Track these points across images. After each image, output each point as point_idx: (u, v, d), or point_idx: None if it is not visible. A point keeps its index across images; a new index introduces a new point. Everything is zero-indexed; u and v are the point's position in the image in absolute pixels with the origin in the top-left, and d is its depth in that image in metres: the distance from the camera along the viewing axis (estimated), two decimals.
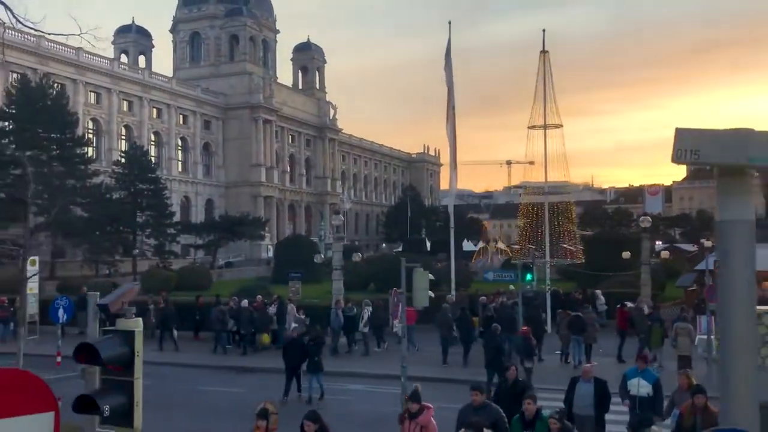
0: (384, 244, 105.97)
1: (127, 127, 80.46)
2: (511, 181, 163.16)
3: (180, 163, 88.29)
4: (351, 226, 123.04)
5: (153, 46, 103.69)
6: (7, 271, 48.86)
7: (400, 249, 77.21)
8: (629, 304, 24.31)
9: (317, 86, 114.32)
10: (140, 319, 4.35)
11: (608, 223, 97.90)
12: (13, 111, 56.81)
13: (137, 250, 65.46)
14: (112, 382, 4.10)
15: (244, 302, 25.74)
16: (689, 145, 3.17)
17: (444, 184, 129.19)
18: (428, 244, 76.36)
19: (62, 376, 12.34)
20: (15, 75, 63.94)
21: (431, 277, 14.64)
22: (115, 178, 66.87)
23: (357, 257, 36.29)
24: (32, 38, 68.95)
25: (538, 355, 21.38)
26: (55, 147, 58.72)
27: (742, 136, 3.11)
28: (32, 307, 27.57)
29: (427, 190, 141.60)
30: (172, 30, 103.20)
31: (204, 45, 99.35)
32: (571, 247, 68.05)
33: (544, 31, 35.64)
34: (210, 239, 74.83)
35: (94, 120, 76.44)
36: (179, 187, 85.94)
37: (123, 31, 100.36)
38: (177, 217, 75.74)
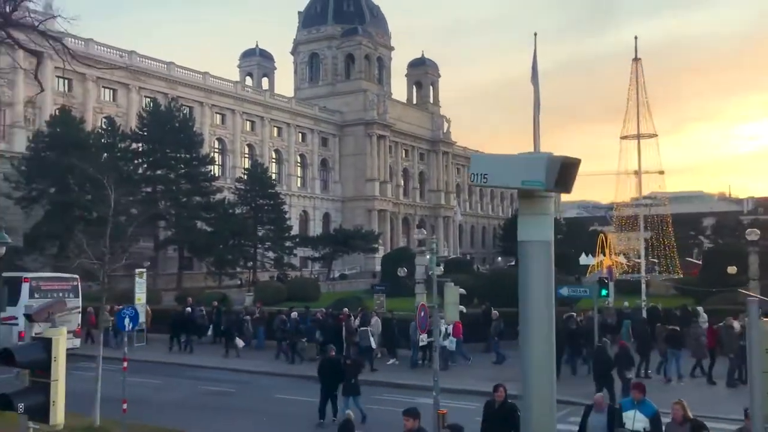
0: (500, 258, 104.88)
1: (249, 145, 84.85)
2: (642, 191, 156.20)
3: (299, 178, 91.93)
4: (467, 239, 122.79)
5: (275, 68, 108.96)
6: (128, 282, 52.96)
7: (513, 263, 76.30)
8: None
9: (431, 100, 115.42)
10: (64, 328, 5.07)
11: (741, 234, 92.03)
12: (145, 133, 61.46)
13: (250, 263, 68.51)
14: (34, 383, 4.84)
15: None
16: (480, 169, 3.46)
17: (565, 196, 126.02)
18: None
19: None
20: (147, 99, 69.12)
21: (462, 291, 14.77)
22: (237, 194, 70.65)
23: (402, 272, 36.35)
24: (164, 65, 74.59)
25: (644, 369, 21.33)
26: (182, 166, 62.88)
27: (513, 161, 3.35)
28: (142, 315, 29.83)
29: None
30: (293, 52, 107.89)
31: (322, 65, 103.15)
32: (695, 261, 64.61)
33: (636, 38, 34.46)
34: (325, 252, 77.41)
35: (219, 140, 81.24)
36: (298, 201, 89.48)
37: (247, 54, 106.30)
38: (295, 231, 78.89)
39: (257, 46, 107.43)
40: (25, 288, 27.05)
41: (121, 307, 33.38)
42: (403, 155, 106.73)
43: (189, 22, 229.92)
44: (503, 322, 25.00)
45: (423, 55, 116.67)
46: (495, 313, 26.30)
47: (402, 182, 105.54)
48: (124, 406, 14.69)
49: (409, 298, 39.85)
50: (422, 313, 13.88)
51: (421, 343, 15.05)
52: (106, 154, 57.11)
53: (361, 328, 23.78)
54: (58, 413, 4.68)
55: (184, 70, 76.79)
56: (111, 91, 69.73)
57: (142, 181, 60.75)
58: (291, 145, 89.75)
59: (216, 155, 79.49)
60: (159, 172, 61.19)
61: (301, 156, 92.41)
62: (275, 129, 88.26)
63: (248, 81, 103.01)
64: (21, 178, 53.32)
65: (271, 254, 70.89)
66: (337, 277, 76.73)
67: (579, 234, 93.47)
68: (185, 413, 18.29)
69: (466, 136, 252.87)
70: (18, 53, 59.25)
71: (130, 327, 15.66)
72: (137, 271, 31.33)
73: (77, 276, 29.74)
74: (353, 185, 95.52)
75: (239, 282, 67.54)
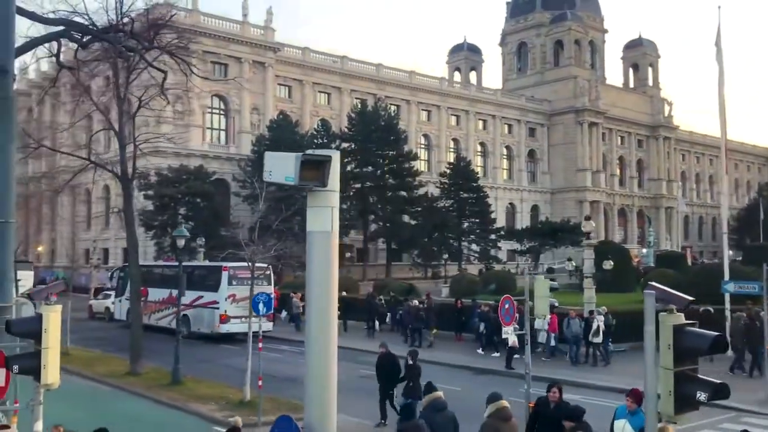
0: (731, 251, 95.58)
1: (454, 140, 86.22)
2: None
3: (505, 171, 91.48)
4: (694, 232, 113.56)
5: (483, 61, 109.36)
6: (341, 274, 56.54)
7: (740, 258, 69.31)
8: None
9: (650, 83, 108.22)
10: (60, 306, 6.13)
11: None
12: (353, 133, 65.29)
13: (449, 255, 69.53)
14: (30, 350, 6.00)
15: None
16: (268, 166, 3.79)
17: None
18: None
19: None
20: (357, 101, 73.18)
21: (555, 285, 14.13)
22: (441, 188, 72.32)
23: (608, 265, 34.29)
24: (372, 67, 78.47)
25: None
26: (387, 162, 65.88)
27: (283, 158, 3.62)
28: None
29: None
30: (501, 43, 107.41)
31: (530, 54, 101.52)
32: None
33: None
34: (531, 245, 76.34)
35: (425, 135, 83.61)
36: (504, 194, 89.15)
37: (455, 50, 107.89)
38: (501, 224, 78.81)
39: (465, 40, 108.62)
40: (225, 276, 30.48)
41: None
42: (619, 142, 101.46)
43: (398, 22, 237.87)
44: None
45: (640, 35, 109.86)
46: None
47: (617, 171, 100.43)
48: (260, 382, 16.25)
49: (607, 294, 38.16)
50: (507, 306, 13.67)
51: (504, 336, 14.64)
52: None
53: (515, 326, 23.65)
54: (49, 375, 5.76)
55: (392, 70, 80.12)
56: (325, 95, 74.90)
57: (351, 178, 64.69)
58: (497, 137, 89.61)
59: (422, 151, 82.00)
60: (366, 169, 64.61)
61: (507, 148, 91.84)
62: (480, 122, 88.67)
63: (456, 76, 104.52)
64: (246, 178, 59.53)
65: (475, 247, 71.58)
66: (542, 271, 75.26)
67: None
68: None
69: (695, 119, 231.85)
70: (244, 65, 66.12)
71: (264, 311, 17.22)
72: None
73: (269, 266, 32.76)
74: (563, 176, 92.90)
75: (443, 274, 69.14)
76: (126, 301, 36.46)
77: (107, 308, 38.84)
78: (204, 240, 47.51)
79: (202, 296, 30.99)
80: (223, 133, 66.07)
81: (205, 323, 30.61)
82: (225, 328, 29.93)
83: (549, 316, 20.11)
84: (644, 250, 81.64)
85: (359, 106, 68.09)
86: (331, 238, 3.78)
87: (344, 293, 34.12)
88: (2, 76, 10.32)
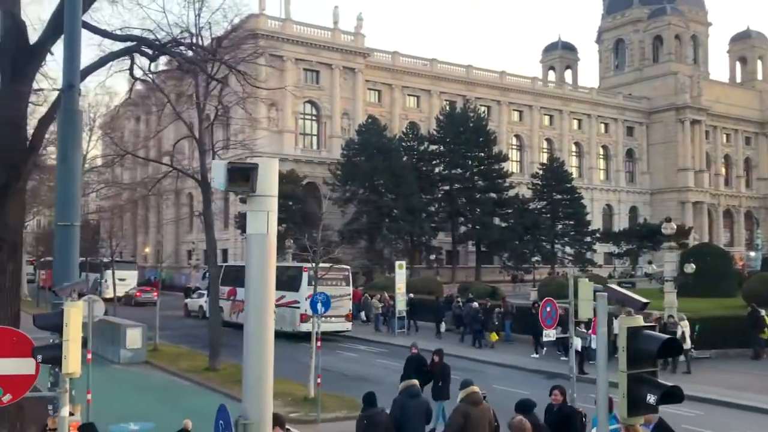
0: None
1: (548, 140, 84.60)
2: None
3: (602, 171, 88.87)
4: None
5: (578, 60, 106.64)
6: (427, 275, 56.94)
7: None
8: None
9: (759, 77, 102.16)
10: (81, 302, 6.69)
11: None
12: (441, 135, 65.39)
13: (538, 258, 68.23)
14: (54, 342, 6.60)
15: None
16: (213, 174, 4.10)
17: None
18: None
19: None
20: (446, 103, 73.19)
21: (599, 287, 13.65)
22: (533, 189, 71.21)
23: (689, 268, 32.71)
24: (462, 69, 78.29)
25: None
26: (476, 164, 65.58)
27: (219, 167, 3.91)
28: (400, 304, 32.48)
29: None
30: (597, 40, 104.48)
31: (627, 51, 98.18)
32: None
33: None
34: (629, 248, 73.87)
35: (517, 136, 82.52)
36: (601, 195, 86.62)
37: (549, 49, 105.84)
38: (597, 226, 76.67)
39: (559, 39, 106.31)
40: (305, 276, 31.34)
41: (387, 295, 36.80)
42: (724, 140, 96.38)
43: (489, 23, 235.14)
44: None
45: (748, 27, 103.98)
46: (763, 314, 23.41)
47: (723, 170, 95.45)
48: (318, 380, 16.75)
49: (704, 299, 36.42)
50: (548, 308, 13.44)
51: (545, 339, 14.27)
52: (405, 157, 62.26)
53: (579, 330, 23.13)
54: (70, 365, 6.33)
55: (482, 71, 79.63)
56: (415, 98, 75.35)
57: (439, 180, 64.83)
58: (592, 137, 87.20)
59: (513, 152, 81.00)
60: (455, 171, 64.54)
61: (604, 147, 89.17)
62: (575, 121, 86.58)
63: (551, 75, 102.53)
64: (336, 181, 60.86)
65: (569, 250, 69.96)
66: (639, 274, 72.68)
67: None
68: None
69: None
70: (335, 71, 67.56)
71: (323, 310, 17.68)
72: (397, 263, 34.11)
73: (348, 267, 33.51)
74: (663, 176, 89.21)
75: (533, 277, 68.02)
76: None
77: (200, 306, 40.73)
78: (293, 241, 48.91)
79: (284, 296, 31.97)
80: (315, 138, 67.73)
81: (287, 322, 31.58)
82: (305, 327, 30.68)
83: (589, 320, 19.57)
84: (752, 254, 77.35)
85: (447, 108, 68.03)
86: (268, 240, 4.09)
87: (411, 295, 34.33)
88: (69, 91, 11.24)
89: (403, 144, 63.88)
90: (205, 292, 40.75)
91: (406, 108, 74.24)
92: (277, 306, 31.52)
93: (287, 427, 9.73)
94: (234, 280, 35.31)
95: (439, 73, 75.63)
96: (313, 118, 67.57)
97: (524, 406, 9.76)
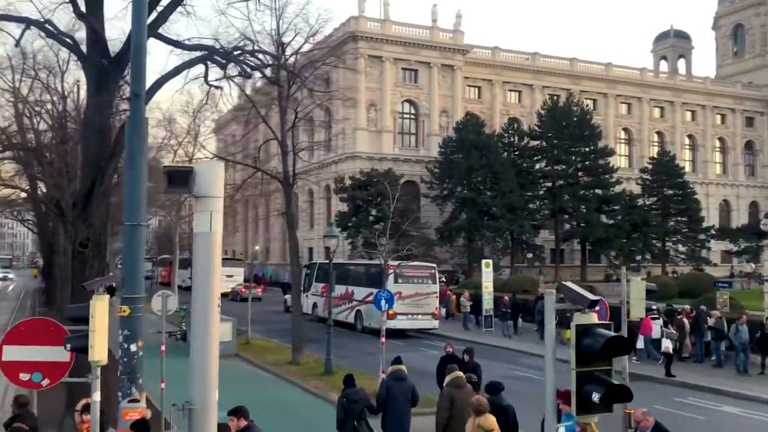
0: None
1: (658, 133, 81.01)
2: None
3: (718, 165, 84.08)
4: None
5: (692, 48, 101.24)
6: (524, 275, 55.96)
7: None
8: None
9: None
10: (107, 295, 7.24)
11: None
12: (542, 130, 64.08)
13: (648, 256, 65.35)
14: (83, 332, 7.18)
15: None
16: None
17: None
18: None
19: None
20: (549, 97, 71.60)
21: (652, 286, 12.96)
22: (641, 185, 68.50)
23: (750, 268, 30.42)
24: (566, 62, 76.35)
25: None
26: (579, 160, 63.82)
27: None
28: (487, 303, 32.19)
29: None
30: (714, 26, 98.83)
31: (747, 36, 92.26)
32: None
33: None
34: (748, 245, 69.46)
35: (625, 129, 79.52)
36: (717, 190, 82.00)
37: (661, 38, 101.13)
38: (713, 222, 72.78)
39: (671, 27, 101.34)
40: (391, 274, 31.75)
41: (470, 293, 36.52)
42: None
43: (593, 15, 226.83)
44: None
45: None
46: None
47: None
48: (382, 375, 17.01)
49: None
50: (597, 308, 12.86)
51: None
52: (505, 154, 61.46)
53: (667, 330, 22.15)
54: (96, 353, 6.92)
55: (587, 64, 77.34)
56: (516, 93, 74.24)
57: (541, 177, 63.54)
58: (707, 128, 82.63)
59: (621, 146, 78.20)
60: (558, 167, 63.10)
61: (720, 140, 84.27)
62: (688, 113, 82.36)
63: (663, 65, 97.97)
64: (434, 179, 61.00)
65: (682, 248, 66.76)
66: (757, 274, 68.24)
67: None
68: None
69: None
70: (433, 69, 67.69)
71: (386, 307, 17.90)
72: (484, 261, 33.84)
73: (434, 265, 33.61)
74: None
75: (644, 276, 65.30)
76: (312, 296, 39.40)
77: None
78: (386, 239, 49.34)
79: (371, 292, 32.52)
80: (413, 137, 68.15)
81: (375, 319, 32.07)
82: (391, 324, 31.12)
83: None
84: None
85: (549, 103, 66.61)
86: (212, 238, 4.39)
87: (508, 296, 33.83)
88: (136, 100, 12.11)
89: (503, 140, 63.08)
90: (302, 288, 42.05)
91: (507, 104, 73.25)
92: (365, 303, 32.31)
93: None
94: (327, 277, 36.21)
95: (542, 67, 74.11)
96: (412, 116, 67.99)
97: (493, 388, 10.80)
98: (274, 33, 21.37)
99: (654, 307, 24.61)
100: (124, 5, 16.34)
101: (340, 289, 35.44)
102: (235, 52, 15.25)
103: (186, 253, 55.19)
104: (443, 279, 55.63)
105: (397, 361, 12.06)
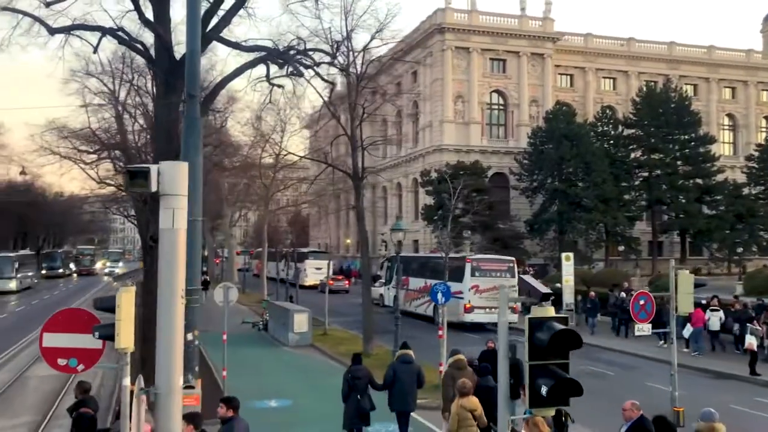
0: None
1: (767, 118, 76.33)
2: None
3: None
4: None
5: None
6: (614, 268, 54.14)
7: None
8: None
9: None
10: (133, 287, 7.68)
11: None
12: (637, 118, 61.72)
13: (755, 249, 61.71)
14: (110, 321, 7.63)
15: None
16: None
17: None
18: None
19: None
20: (645, 83, 68.84)
21: (703, 281, 12.23)
22: (747, 173, 64.90)
23: None
24: (663, 46, 73.17)
25: None
26: (678, 148, 61.15)
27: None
28: (568, 297, 31.33)
29: None
30: None
31: None
32: None
33: None
34: None
35: (729, 116, 75.41)
36: None
37: None
38: None
39: None
40: (468, 267, 31.59)
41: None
42: None
43: None
44: None
45: None
46: None
47: None
48: (441, 367, 17.02)
49: None
50: (642, 302, 12.27)
51: (638, 333, 12.69)
52: (597, 143, 59.58)
53: (753, 327, 20.84)
54: (122, 341, 7.40)
55: (686, 47, 73.82)
56: (610, 80, 71.85)
57: (636, 167, 61.22)
58: None
59: (725, 133, 74.31)
60: (654, 156, 60.72)
61: None
62: None
63: None
64: (523, 171, 60.00)
65: None
66: None
67: None
68: None
69: None
70: (522, 59, 66.57)
71: (443, 300, 17.84)
72: (563, 255, 33.06)
73: (513, 258, 33.12)
74: None
75: (745, 269, 61.88)
76: (393, 288, 39.78)
77: (381, 295, 42.56)
78: (470, 233, 49.28)
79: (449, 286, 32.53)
80: (502, 128, 67.27)
81: (452, 312, 32.07)
82: (469, 318, 31.08)
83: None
84: None
85: (645, 89, 64.03)
86: (175, 234, 4.67)
87: (594, 292, 32.92)
88: (191, 101, 12.75)
89: (595, 129, 61.20)
90: (383, 281, 42.53)
91: (601, 91, 71.01)
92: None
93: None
94: (407, 270, 36.47)
95: (637, 52, 71.33)
96: (500, 107, 67.11)
97: (481, 371, 12.04)
98: (334, 31, 21.68)
99: (703, 300, 23.58)
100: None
101: (419, 282, 35.62)
102: (290, 52, 15.64)
103: (280, 246, 57.05)
104: (532, 272, 54.78)
105: (405, 346, 13.52)
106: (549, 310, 4.57)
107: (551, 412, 4.78)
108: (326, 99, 24.47)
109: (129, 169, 4.68)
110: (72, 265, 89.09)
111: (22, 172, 51.15)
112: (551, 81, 67.20)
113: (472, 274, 31.31)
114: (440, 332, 18.14)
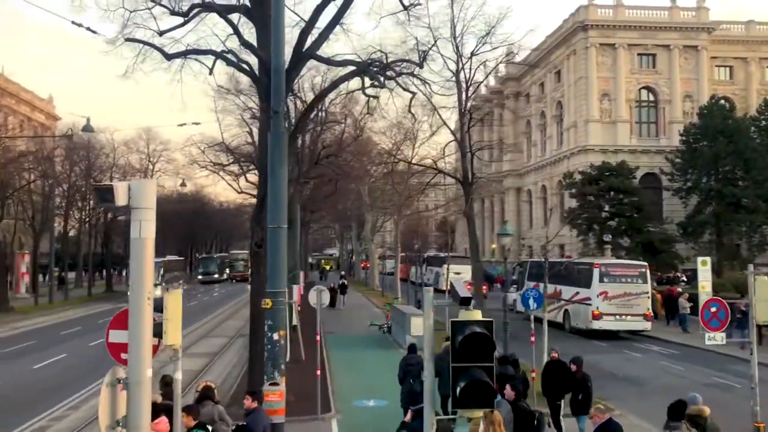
0: None
1: None
2: None
3: None
4: None
5: None
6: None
7: None
8: None
9: None
10: (179, 290, 8.41)
11: None
12: None
13: None
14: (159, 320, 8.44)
15: None
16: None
17: None
18: None
19: None
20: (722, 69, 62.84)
21: None
22: None
23: None
24: (740, 27, 66.22)
25: None
26: None
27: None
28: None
29: None
30: None
31: None
32: None
33: None
34: None
35: None
36: None
37: None
38: None
39: None
40: (596, 273, 30.43)
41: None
42: None
43: None
44: None
45: None
46: None
47: None
48: (533, 374, 16.70)
49: None
50: (713, 308, 11.14)
51: (708, 342, 11.25)
52: (758, 139, 54.99)
53: None
54: (169, 338, 8.27)
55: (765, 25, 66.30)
56: None
57: None
58: None
59: None
60: None
61: None
62: None
63: None
64: (675, 170, 56.54)
65: None
66: None
67: None
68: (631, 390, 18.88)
69: None
70: (673, 52, 63.00)
71: (534, 306, 17.39)
72: (700, 259, 30.71)
73: (646, 264, 31.45)
74: None
75: None
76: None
77: (515, 300, 42.03)
78: (611, 237, 47.29)
79: (577, 292, 31.59)
80: (652, 126, 63.95)
81: (581, 319, 31.13)
82: (597, 325, 29.98)
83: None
84: None
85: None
86: (143, 243, 5.29)
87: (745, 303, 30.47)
88: (275, 116, 13.71)
89: (757, 124, 56.46)
90: (515, 286, 41.91)
91: (766, 83, 65.44)
92: (571, 302, 31.48)
93: None
94: (537, 275, 35.78)
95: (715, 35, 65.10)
96: (650, 104, 63.83)
97: (502, 359, 12.86)
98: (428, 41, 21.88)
99: None
100: (290, 28, 18.23)
101: (549, 288, 34.79)
102: (376, 64, 16.20)
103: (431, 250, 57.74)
104: (684, 278, 51.48)
105: (412, 349, 14.77)
106: (475, 314, 4.67)
107: (477, 413, 4.86)
108: (436, 107, 24.78)
109: (95, 186, 5.38)
110: (227, 270, 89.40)
111: (182, 184, 55.76)
112: (707, 74, 62.96)
113: (601, 280, 30.19)
114: (532, 338, 17.82)
